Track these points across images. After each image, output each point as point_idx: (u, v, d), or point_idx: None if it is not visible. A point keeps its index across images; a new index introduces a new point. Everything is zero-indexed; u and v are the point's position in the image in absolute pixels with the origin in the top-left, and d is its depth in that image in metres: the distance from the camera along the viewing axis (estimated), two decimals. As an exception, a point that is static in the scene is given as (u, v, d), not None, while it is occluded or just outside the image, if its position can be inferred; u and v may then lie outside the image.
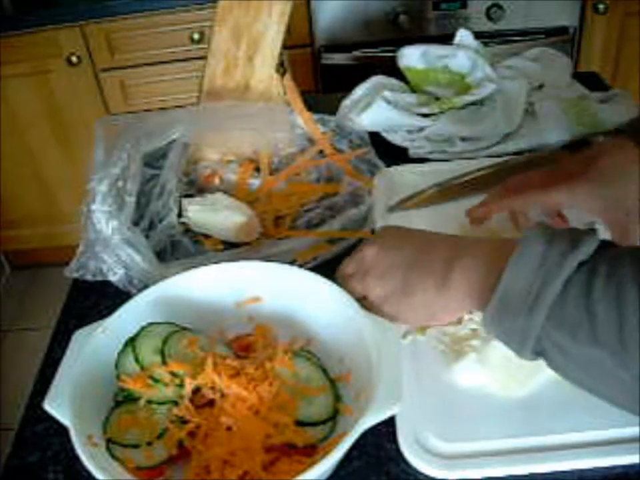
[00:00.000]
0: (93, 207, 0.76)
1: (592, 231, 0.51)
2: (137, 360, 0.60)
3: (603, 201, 0.65)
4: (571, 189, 0.66)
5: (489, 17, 1.76)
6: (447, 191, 0.86)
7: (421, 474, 0.56)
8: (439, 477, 0.55)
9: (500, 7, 1.74)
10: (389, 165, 0.92)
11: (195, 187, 0.93)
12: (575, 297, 0.46)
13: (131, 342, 0.60)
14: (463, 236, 0.67)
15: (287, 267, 0.67)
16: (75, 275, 0.78)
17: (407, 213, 0.84)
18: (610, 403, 0.48)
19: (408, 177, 0.90)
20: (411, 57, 1.06)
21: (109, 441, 0.55)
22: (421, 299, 0.59)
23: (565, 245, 0.49)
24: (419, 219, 0.81)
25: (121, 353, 0.60)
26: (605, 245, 0.50)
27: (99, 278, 0.77)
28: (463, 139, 0.97)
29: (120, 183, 0.80)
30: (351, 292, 0.62)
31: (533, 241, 0.51)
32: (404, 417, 0.58)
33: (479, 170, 0.88)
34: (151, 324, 0.62)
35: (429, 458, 0.56)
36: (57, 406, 0.56)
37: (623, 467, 0.55)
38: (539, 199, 0.69)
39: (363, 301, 0.63)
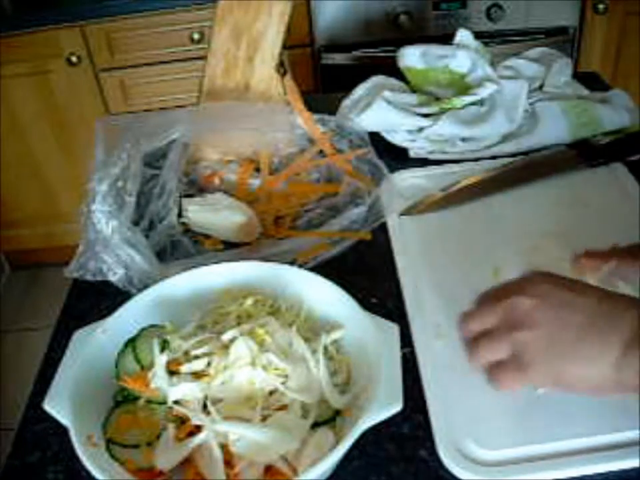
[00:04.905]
0: (93, 207, 0.76)
1: None
2: (137, 360, 0.60)
3: None
4: None
5: (489, 17, 1.75)
6: (454, 196, 0.86)
7: (422, 473, 0.56)
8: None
9: (500, 7, 1.74)
10: (389, 165, 0.91)
11: (195, 187, 0.93)
12: None
13: (131, 342, 0.61)
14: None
15: (287, 267, 0.67)
16: (75, 274, 0.78)
17: (418, 217, 0.84)
18: None
19: (416, 182, 0.91)
20: (411, 57, 1.06)
21: (108, 441, 0.55)
22: (591, 370, 0.50)
23: None
24: (431, 224, 0.82)
25: (121, 353, 0.60)
26: None
27: (99, 278, 0.77)
28: (463, 139, 0.97)
29: (120, 183, 0.80)
30: (483, 352, 0.53)
31: None
32: (441, 422, 0.58)
33: (487, 171, 0.89)
34: (151, 326, 0.62)
35: (467, 464, 0.55)
36: (56, 406, 0.56)
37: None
38: None
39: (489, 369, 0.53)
